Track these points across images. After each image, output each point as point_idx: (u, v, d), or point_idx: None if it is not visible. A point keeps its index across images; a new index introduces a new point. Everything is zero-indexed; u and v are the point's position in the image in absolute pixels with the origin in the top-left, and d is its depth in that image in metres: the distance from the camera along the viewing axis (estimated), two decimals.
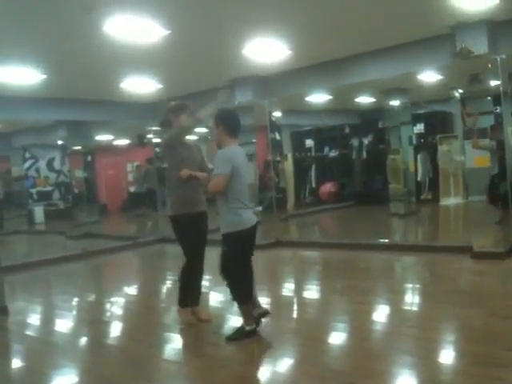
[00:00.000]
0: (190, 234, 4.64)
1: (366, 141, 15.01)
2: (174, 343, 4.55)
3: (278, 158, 12.74)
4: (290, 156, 15.63)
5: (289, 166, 15.31)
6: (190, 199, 4.65)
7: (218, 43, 6.86)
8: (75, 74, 7.94)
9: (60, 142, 14.75)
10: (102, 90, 9.33)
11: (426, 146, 13.64)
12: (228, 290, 4.38)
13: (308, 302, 5.77)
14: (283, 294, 6.18)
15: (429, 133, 13.62)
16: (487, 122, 10.54)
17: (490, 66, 6.78)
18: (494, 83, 6.98)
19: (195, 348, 4.35)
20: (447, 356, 3.78)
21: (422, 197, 13.35)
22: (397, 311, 4.98)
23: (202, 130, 10.36)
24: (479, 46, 6.55)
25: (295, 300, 5.88)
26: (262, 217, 8.83)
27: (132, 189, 17.30)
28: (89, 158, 13.44)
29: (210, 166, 4.61)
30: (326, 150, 15.99)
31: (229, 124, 4.32)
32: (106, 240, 11.11)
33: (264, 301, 5.29)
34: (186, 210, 4.62)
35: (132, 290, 7.12)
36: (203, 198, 4.77)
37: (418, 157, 13.43)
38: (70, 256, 9.16)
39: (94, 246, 9.92)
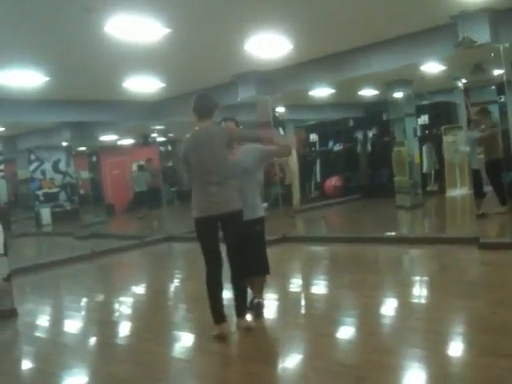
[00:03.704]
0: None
1: (370, 134, 14.96)
2: (183, 341, 4.56)
3: None
4: (294, 151, 15.59)
5: (293, 161, 15.28)
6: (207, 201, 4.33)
7: (220, 40, 6.85)
8: (78, 75, 7.96)
9: (65, 144, 14.79)
10: (105, 90, 9.34)
11: (431, 137, 13.58)
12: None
13: (316, 297, 5.76)
14: (291, 289, 6.18)
15: (433, 124, 13.56)
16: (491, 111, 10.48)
17: (492, 55, 6.73)
18: (497, 72, 6.93)
19: (204, 345, 4.35)
20: (456, 348, 3.78)
21: (428, 188, 13.29)
22: (405, 304, 4.97)
23: None
24: (481, 35, 6.51)
25: (303, 295, 5.88)
26: (268, 213, 8.83)
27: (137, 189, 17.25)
28: (94, 159, 13.47)
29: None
30: (331, 144, 15.96)
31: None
32: (113, 240, 11.14)
33: (272, 296, 5.32)
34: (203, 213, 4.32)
35: (140, 289, 7.14)
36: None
37: (423, 148, 13.37)
38: (77, 257, 9.19)
39: (101, 246, 9.95)
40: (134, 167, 18.57)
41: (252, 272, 4.60)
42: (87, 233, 12.08)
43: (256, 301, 4.67)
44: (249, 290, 4.63)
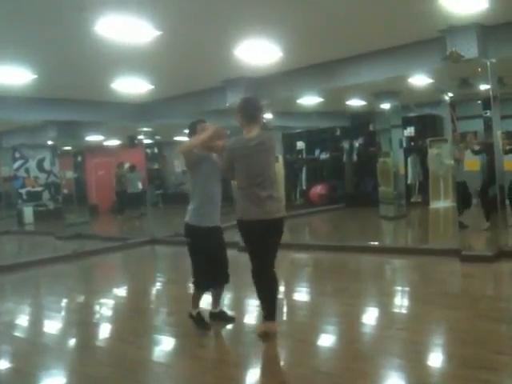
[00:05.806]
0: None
1: (356, 143, 15.06)
2: (164, 345, 4.54)
3: None
4: (280, 158, 15.63)
5: (280, 167, 15.31)
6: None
7: (210, 44, 6.85)
8: (66, 73, 7.90)
9: (50, 143, 14.67)
10: (92, 90, 9.28)
11: (416, 149, 13.71)
12: None
13: (298, 304, 5.77)
14: None
15: (419, 136, 13.70)
16: (476, 125, 10.59)
17: (479, 70, 6.82)
18: (483, 87, 7.01)
19: (185, 350, 4.34)
20: (435, 358, 3.80)
21: (412, 200, 13.39)
22: (386, 313, 5.00)
23: None
24: (469, 50, 6.59)
25: (285, 302, 5.87)
26: None
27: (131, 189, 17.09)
28: (79, 159, 13.38)
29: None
30: (317, 152, 16.04)
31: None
32: (96, 241, 11.06)
33: (254, 303, 5.29)
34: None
35: (122, 292, 7.09)
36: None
37: (408, 160, 13.49)
38: (59, 257, 9.10)
39: (83, 247, 9.87)
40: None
41: (223, 281, 4.67)
42: (70, 233, 11.97)
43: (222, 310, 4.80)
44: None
